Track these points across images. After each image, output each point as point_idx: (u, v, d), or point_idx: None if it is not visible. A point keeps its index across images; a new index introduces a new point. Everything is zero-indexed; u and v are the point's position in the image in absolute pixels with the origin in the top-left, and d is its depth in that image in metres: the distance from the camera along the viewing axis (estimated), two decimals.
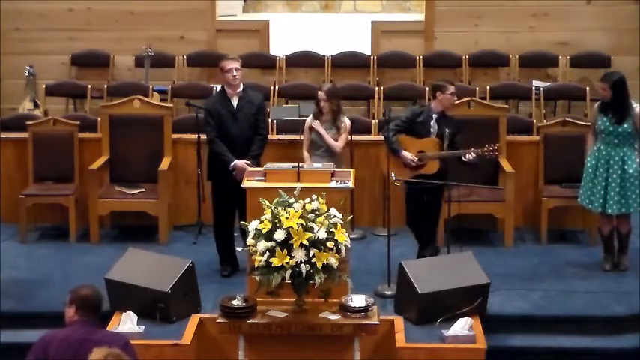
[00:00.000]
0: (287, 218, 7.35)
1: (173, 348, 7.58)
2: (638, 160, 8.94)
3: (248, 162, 8.84)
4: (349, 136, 9.61)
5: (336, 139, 9.42)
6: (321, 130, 9.40)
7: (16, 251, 9.64)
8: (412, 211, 9.11)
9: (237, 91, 9.03)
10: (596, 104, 9.10)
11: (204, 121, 9.11)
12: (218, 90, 9.26)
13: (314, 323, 7.52)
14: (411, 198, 9.04)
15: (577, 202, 9.22)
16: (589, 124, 9.32)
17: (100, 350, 5.27)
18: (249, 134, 9.02)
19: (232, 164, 8.91)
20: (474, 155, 8.73)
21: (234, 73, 8.96)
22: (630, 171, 8.92)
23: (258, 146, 9.02)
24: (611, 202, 8.94)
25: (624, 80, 8.95)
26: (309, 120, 9.56)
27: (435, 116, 8.93)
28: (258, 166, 8.78)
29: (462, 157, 8.76)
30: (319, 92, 9.50)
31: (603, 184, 8.95)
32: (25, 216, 9.86)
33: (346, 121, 9.51)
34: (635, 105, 8.99)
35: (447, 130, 8.80)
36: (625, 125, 8.86)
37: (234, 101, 9.04)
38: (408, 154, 8.85)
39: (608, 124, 8.88)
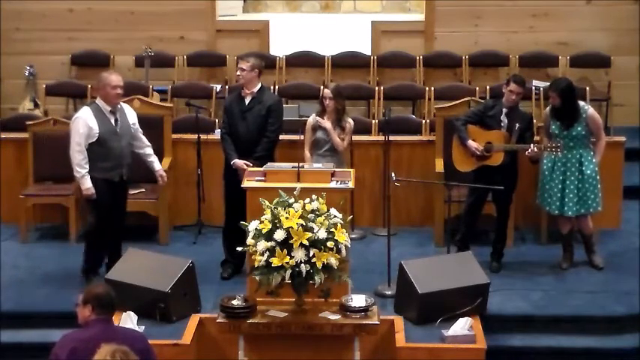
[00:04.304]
0: (287, 218, 7.35)
1: (173, 348, 7.58)
2: (595, 161, 9.00)
3: (248, 162, 8.84)
4: (350, 136, 9.65)
5: (340, 139, 9.43)
6: (328, 125, 9.37)
7: (16, 251, 9.65)
8: (471, 203, 9.14)
9: (251, 90, 9.04)
10: (548, 108, 9.19)
11: (222, 118, 9.25)
12: (239, 88, 9.27)
13: (314, 323, 7.52)
14: (474, 190, 9.08)
15: (536, 203, 9.33)
16: None
17: (107, 347, 5.26)
18: (255, 135, 9.00)
19: (232, 162, 8.93)
20: (537, 150, 8.79)
21: (238, 72, 9.03)
22: (588, 172, 8.98)
23: (263, 148, 8.98)
24: (570, 204, 9.01)
25: (572, 86, 9.03)
26: (311, 119, 9.55)
27: (505, 110, 9.00)
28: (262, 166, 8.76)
29: (525, 152, 8.87)
30: (325, 90, 9.50)
31: (560, 186, 9.02)
32: (25, 216, 9.87)
33: (350, 122, 9.52)
34: (586, 107, 9.11)
35: (517, 124, 8.89)
36: (579, 128, 8.94)
37: (247, 101, 9.06)
38: (473, 144, 8.96)
39: (561, 128, 8.96)
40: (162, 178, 9.04)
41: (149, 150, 9.00)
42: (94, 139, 8.66)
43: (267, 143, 9.02)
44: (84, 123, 8.67)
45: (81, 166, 8.69)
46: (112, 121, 8.73)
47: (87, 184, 8.69)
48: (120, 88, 8.73)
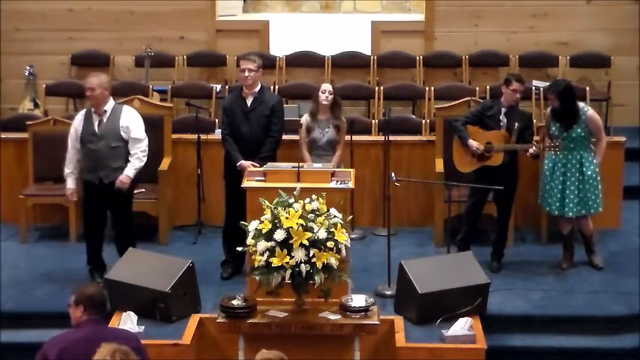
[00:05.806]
0: (287, 218, 7.36)
1: (173, 348, 7.59)
2: (595, 162, 9.01)
3: (255, 163, 8.82)
4: (350, 136, 9.66)
5: (335, 140, 9.43)
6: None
7: (16, 251, 9.65)
8: (473, 203, 9.15)
9: (253, 91, 9.02)
10: (548, 110, 9.20)
11: (221, 119, 9.21)
12: (238, 88, 9.26)
13: (314, 323, 7.52)
14: (475, 190, 9.07)
15: (537, 203, 9.34)
16: None
17: (107, 346, 5.26)
18: (259, 135, 8.98)
19: (239, 164, 8.91)
20: (536, 149, 8.82)
21: (246, 73, 8.95)
22: (589, 173, 8.99)
23: (268, 148, 8.97)
24: (571, 205, 9.01)
25: (570, 88, 9.03)
26: (304, 119, 9.55)
27: (503, 110, 9.01)
28: None
29: (525, 151, 8.90)
30: (325, 85, 9.50)
31: (560, 187, 9.02)
32: (25, 216, 9.87)
33: (344, 120, 9.54)
34: (586, 108, 9.10)
35: (516, 124, 8.90)
36: (578, 130, 8.94)
37: (249, 101, 9.03)
38: (474, 143, 8.97)
39: (561, 129, 8.97)
40: (120, 182, 8.74)
41: (131, 158, 8.80)
42: (79, 140, 8.78)
43: (272, 143, 9.00)
44: (73, 124, 8.85)
45: (66, 166, 8.89)
46: (96, 123, 8.72)
47: (67, 185, 8.93)
48: (90, 90, 8.71)
